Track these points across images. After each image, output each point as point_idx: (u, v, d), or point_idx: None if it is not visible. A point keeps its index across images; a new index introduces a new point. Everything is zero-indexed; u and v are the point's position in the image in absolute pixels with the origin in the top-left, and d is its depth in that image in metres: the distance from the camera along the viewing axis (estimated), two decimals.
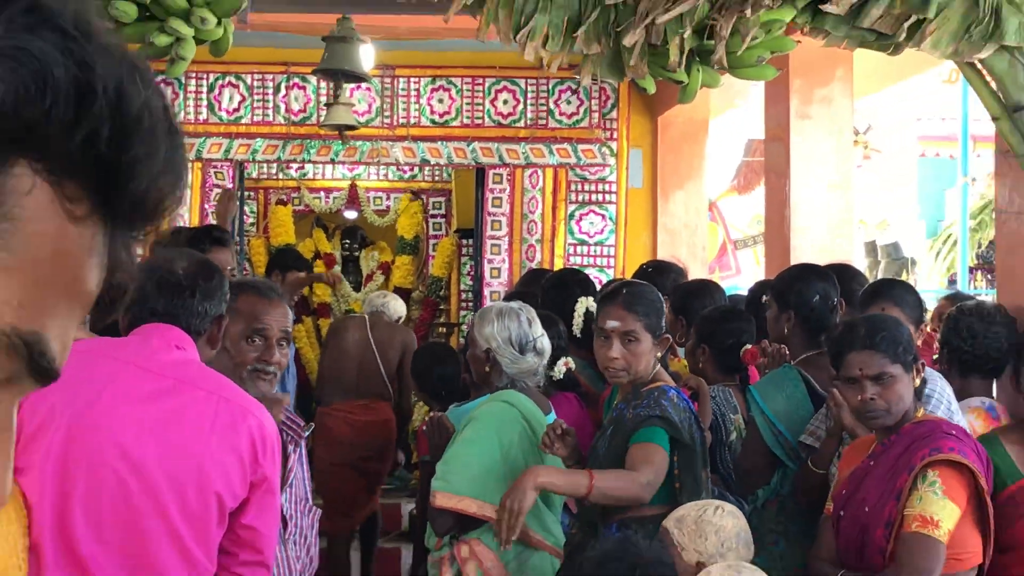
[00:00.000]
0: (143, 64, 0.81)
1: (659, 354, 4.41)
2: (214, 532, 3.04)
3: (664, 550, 3.48)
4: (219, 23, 4.33)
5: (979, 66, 4.63)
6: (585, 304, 5.43)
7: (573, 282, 5.94)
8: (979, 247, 18.48)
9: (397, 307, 9.14)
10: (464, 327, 9.73)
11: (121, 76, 0.77)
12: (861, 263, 14.26)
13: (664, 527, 3.78)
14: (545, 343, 4.71)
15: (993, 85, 4.65)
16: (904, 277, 15.22)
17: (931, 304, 8.35)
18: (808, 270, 5.24)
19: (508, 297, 6.28)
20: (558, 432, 4.32)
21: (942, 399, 4.47)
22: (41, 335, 0.79)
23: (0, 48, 0.72)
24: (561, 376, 5.09)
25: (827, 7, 4.39)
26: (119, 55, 0.79)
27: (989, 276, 17.63)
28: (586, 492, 4.15)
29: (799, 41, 5.05)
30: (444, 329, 12.09)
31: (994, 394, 5.08)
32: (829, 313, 4.90)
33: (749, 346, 5.16)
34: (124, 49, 0.80)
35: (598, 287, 6.59)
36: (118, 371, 2.93)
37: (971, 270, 17.24)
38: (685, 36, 4.56)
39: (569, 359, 5.06)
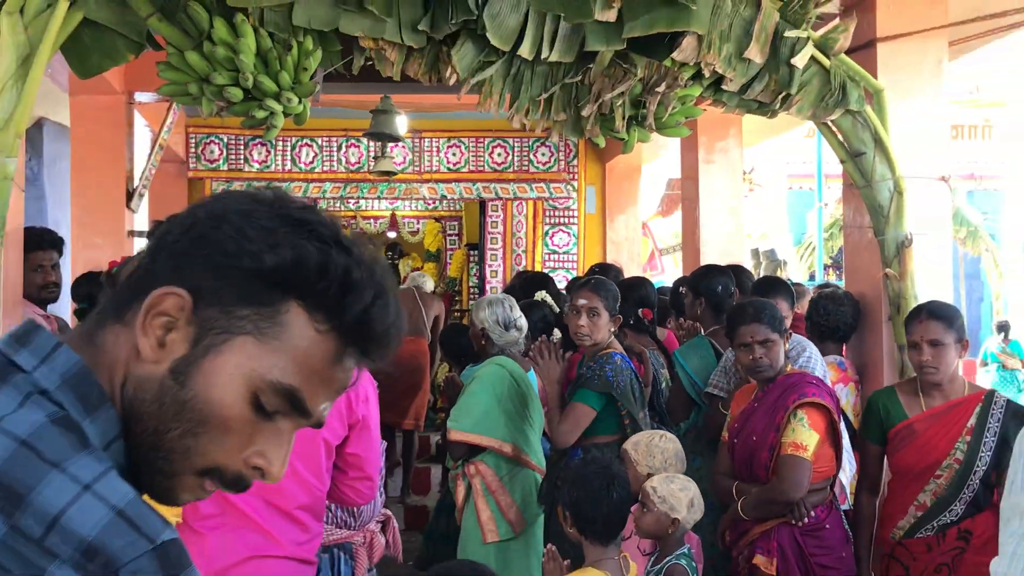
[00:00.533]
0: (369, 261, 1.10)
1: (613, 328, 4.41)
2: (324, 463, 3.01)
3: (622, 465, 3.49)
4: (300, 102, 4.32)
5: (831, 125, 4.63)
6: (541, 295, 5.46)
7: (534, 281, 6.02)
8: (832, 251, 18.49)
9: (430, 283, 9.64)
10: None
11: (348, 264, 1.06)
12: (748, 263, 14.27)
13: (624, 448, 3.81)
14: (523, 322, 4.73)
15: (840, 138, 4.65)
16: (778, 273, 15.25)
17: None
18: (713, 268, 5.25)
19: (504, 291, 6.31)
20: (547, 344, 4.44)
21: (818, 359, 4.50)
22: (296, 387, 1.06)
23: (289, 243, 1.04)
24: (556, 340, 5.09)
25: (724, 85, 4.39)
26: (354, 252, 1.08)
27: (838, 272, 17.65)
28: (547, 410, 4.43)
29: (705, 109, 5.04)
30: (458, 314, 12.10)
31: (844, 353, 5.10)
32: (728, 298, 4.90)
33: (642, 309, 5.16)
34: (361, 252, 1.10)
35: (564, 283, 6.60)
36: None
37: (825, 268, 17.29)
38: (625, 107, 4.57)
39: (557, 330, 5.06)
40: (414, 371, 8.66)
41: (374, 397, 3.16)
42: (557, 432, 4.27)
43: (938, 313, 3.83)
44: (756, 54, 4.19)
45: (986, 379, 13.98)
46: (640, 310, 5.14)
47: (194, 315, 1.04)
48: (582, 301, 4.33)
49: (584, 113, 4.51)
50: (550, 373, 4.35)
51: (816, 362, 4.46)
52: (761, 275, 15.48)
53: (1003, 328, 15.26)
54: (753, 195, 18.18)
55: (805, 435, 3.74)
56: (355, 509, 3.36)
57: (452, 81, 4.33)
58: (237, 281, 1.04)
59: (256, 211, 1.07)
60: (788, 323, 4.67)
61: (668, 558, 3.35)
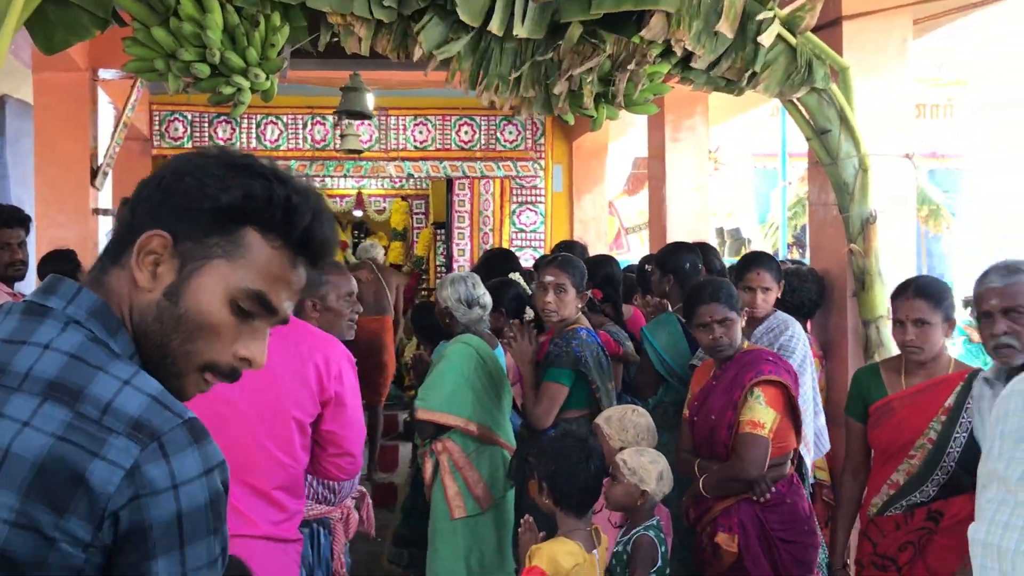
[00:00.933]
0: (304, 188, 1.38)
1: (580, 305, 4.44)
2: (297, 441, 3.01)
3: (596, 439, 3.53)
4: (267, 78, 4.30)
5: (796, 102, 4.67)
6: (515, 277, 5.47)
7: (497, 259, 6.02)
8: (795, 230, 18.63)
9: (380, 252, 9.67)
10: None
11: (288, 193, 1.35)
12: (713, 241, 14.36)
13: (596, 423, 3.84)
14: (487, 300, 4.74)
15: (806, 115, 4.69)
16: (742, 251, 15.33)
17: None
18: (680, 246, 5.25)
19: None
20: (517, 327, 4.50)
21: (799, 337, 4.48)
22: (264, 291, 1.36)
23: (238, 184, 1.33)
24: (531, 319, 5.07)
25: (693, 63, 4.42)
26: (290, 184, 1.37)
27: (801, 250, 17.80)
28: (523, 393, 4.43)
29: (672, 87, 5.06)
30: (425, 293, 12.09)
31: (808, 329, 5.15)
32: (696, 275, 4.92)
33: (590, 291, 5.16)
34: (296, 182, 1.38)
35: (531, 261, 6.60)
36: None
37: (789, 246, 17.44)
38: (594, 84, 4.58)
39: (530, 309, 5.04)
40: (379, 350, 8.70)
41: (350, 374, 3.16)
42: (533, 415, 4.29)
43: (925, 291, 3.67)
44: (727, 28, 4.21)
45: (952, 352, 14.16)
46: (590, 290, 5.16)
47: (175, 249, 1.33)
48: (549, 278, 4.36)
49: (555, 92, 4.52)
50: (523, 354, 4.41)
51: (798, 340, 4.45)
52: (726, 255, 15.58)
53: (969, 303, 15.51)
54: (718, 174, 18.29)
55: (762, 413, 3.73)
56: (335, 485, 3.38)
57: (417, 57, 4.33)
58: (203, 219, 1.33)
59: (208, 163, 1.35)
60: (776, 295, 4.68)
61: (636, 529, 3.39)
